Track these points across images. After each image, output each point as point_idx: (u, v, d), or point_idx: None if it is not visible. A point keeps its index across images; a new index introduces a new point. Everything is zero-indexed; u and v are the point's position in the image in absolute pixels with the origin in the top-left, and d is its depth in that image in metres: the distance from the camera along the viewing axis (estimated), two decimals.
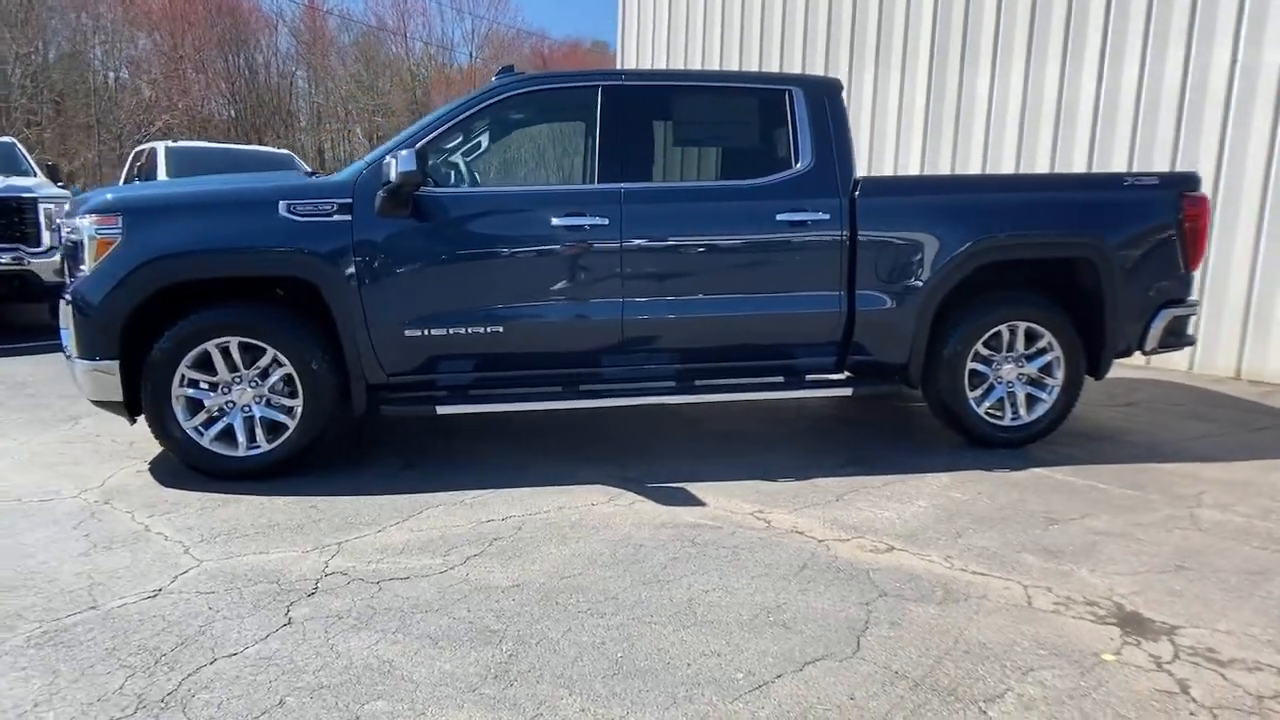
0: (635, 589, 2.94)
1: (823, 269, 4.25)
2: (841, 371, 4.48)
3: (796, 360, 4.40)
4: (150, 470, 4.20)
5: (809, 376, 4.46)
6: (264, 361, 3.96)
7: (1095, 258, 4.37)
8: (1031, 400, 4.55)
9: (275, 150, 11.92)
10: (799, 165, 4.26)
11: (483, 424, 5.00)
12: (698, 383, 4.39)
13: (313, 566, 3.11)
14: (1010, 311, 4.41)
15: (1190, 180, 4.53)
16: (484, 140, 4.35)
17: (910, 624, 2.69)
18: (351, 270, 3.91)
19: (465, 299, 4.03)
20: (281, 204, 3.89)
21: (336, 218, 3.91)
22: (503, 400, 4.17)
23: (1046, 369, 4.52)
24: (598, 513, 3.64)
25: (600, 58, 58.94)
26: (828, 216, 4.20)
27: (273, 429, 4.02)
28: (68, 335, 4.06)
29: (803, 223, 4.18)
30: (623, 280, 4.11)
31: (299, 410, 3.99)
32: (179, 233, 3.86)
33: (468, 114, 4.11)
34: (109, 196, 3.97)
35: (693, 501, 3.79)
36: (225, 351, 3.93)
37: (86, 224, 3.86)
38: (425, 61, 49.48)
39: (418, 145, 3.99)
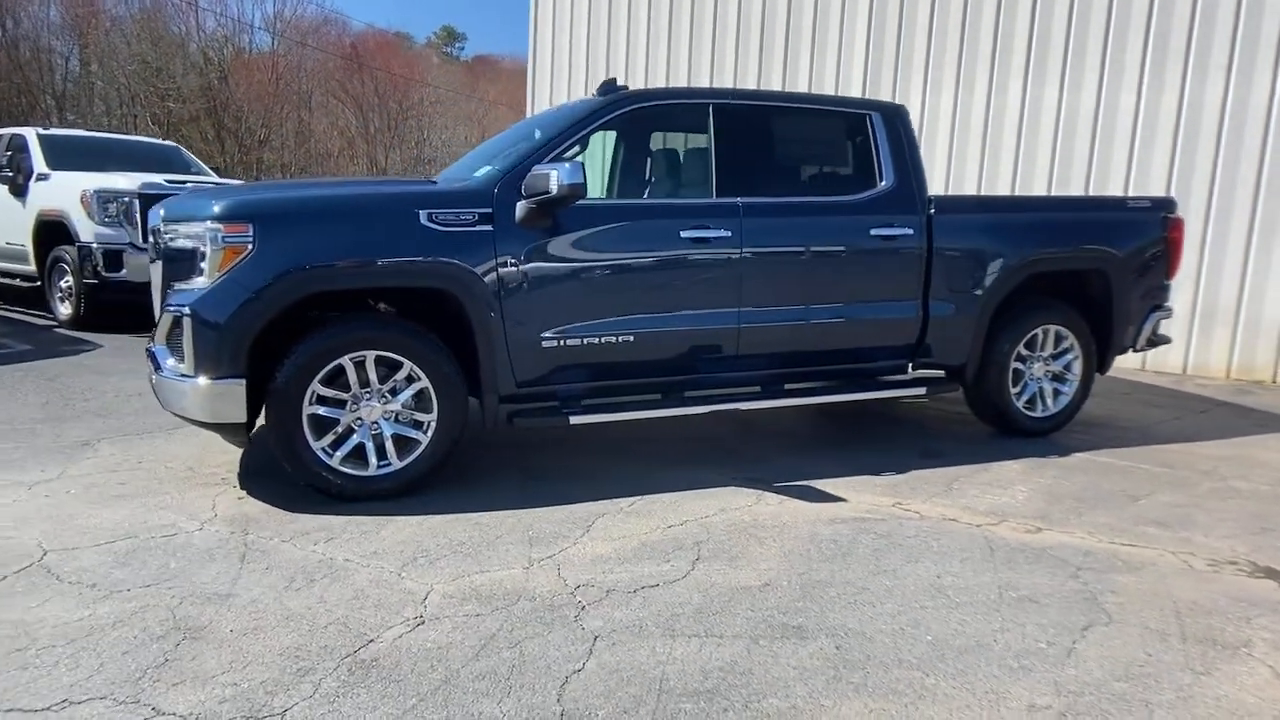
0: (874, 579, 3.18)
1: (906, 279, 4.66)
2: (909, 373, 4.91)
3: (877, 363, 4.78)
4: (252, 495, 3.88)
5: (881, 378, 4.86)
6: (400, 375, 3.80)
7: (1109, 269, 5.09)
8: (1055, 394, 5.21)
9: (161, 142, 10.80)
10: (883, 184, 4.64)
11: (556, 436, 4.99)
12: (787, 386, 4.66)
13: (551, 581, 3.08)
14: (1045, 316, 5.04)
15: (1171, 203, 5.38)
16: (594, 152, 4.38)
17: (1125, 591, 3.12)
18: (493, 281, 3.84)
19: (600, 308, 4.07)
20: (422, 213, 3.75)
21: (478, 228, 3.82)
22: (623, 409, 4.22)
23: (1068, 366, 5.20)
24: (763, 513, 3.82)
25: (412, 55, 57.10)
26: (911, 232, 4.61)
27: (399, 446, 3.86)
28: (166, 351, 3.70)
29: (891, 237, 4.57)
30: (740, 289, 4.30)
31: (431, 425, 3.86)
32: (318, 242, 3.62)
33: (591, 127, 4.14)
34: (233, 200, 3.64)
35: (831, 498, 4.05)
36: (358, 366, 3.74)
37: (208, 230, 3.53)
38: (221, 43, 45.86)
39: (548, 158, 3.98)
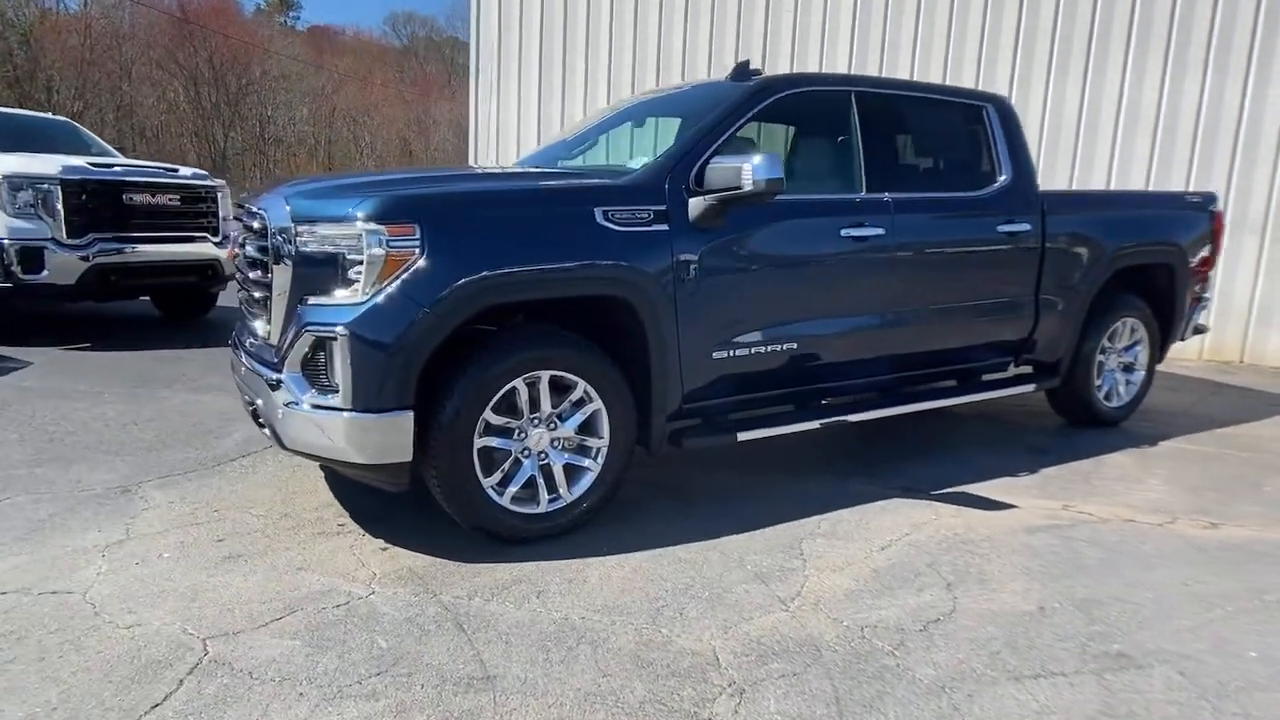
0: (1133, 592, 3.06)
1: (1024, 275, 4.59)
2: (1008, 372, 4.88)
3: (987, 362, 4.71)
4: (395, 544, 3.30)
5: (985, 378, 4.79)
6: (572, 397, 3.33)
7: (1175, 261, 5.25)
8: (1126, 384, 5.34)
9: (53, 117, 9.25)
10: (1003, 178, 4.54)
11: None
12: (912, 390, 4.50)
13: (829, 625, 2.77)
14: (1125, 309, 5.13)
15: (1215, 198, 5.60)
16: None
17: None
18: (670, 287, 3.43)
19: (768, 315, 3.74)
20: (598, 211, 3.29)
21: (654, 227, 3.40)
22: (777, 422, 3.90)
23: (1136, 357, 5.33)
24: (954, 526, 3.64)
25: (250, 23, 52.68)
26: (1030, 227, 4.54)
27: (567, 477, 3.40)
28: (303, 381, 3.06)
29: (1014, 234, 4.48)
30: (888, 291, 4.09)
31: (602, 451, 3.42)
32: (495, 246, 3.09)
33: (747, 116, 3.77)
34: (393, 196, 3.03)
35: (1000, 505, 3.92)
36: (530, 388, 3.25)
37: (366, 233, 2.93)
38: (22, 1, 40.84)
39: (710, 150, 3.59)
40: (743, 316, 3.67)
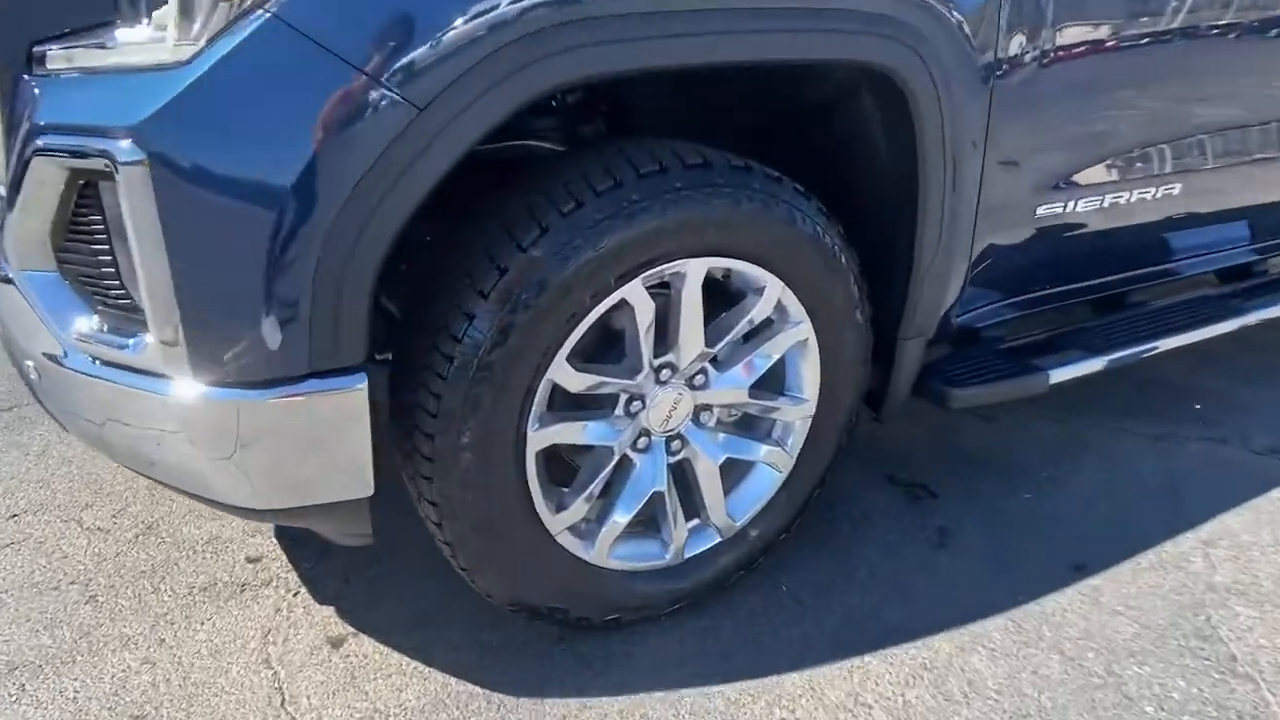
0: None
1: None
2: None
3: None
4: (352, 623, 1.52)
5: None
6: (754, 312, 1.40)
7: None
8: None
9: None
10: None
11: None
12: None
13: None
14: None
15: None
16: None
17: None
18: (985, 61, 1.41)
19: (1133, 126, 1.75)
20: None
21: None
22: (1101, 348, 1.95)
23: None
24: None
25: None
26: None
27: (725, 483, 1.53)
28: (60, 289, 1.15)
29: None
30: (1261, 94, 2.06)
31: (795, 428, 1.54)
32: None
33: None
34: None
35: None
36: (656, 293, 1.32)
37: None
38: None
39: None
40: (1099, 128, 1.67)
